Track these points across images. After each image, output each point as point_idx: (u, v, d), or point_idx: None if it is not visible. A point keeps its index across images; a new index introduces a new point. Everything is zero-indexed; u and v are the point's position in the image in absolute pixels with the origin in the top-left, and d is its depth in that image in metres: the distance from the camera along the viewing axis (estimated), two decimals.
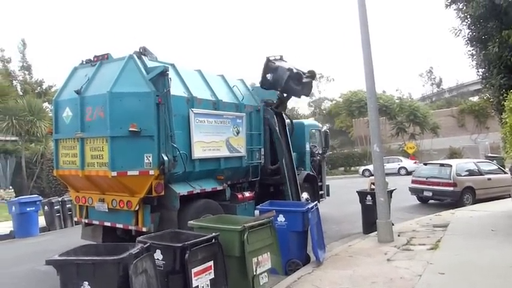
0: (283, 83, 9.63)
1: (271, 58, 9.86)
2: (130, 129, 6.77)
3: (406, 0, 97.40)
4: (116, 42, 74.00)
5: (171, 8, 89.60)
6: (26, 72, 36.01)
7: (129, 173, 6.87)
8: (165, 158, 6.93)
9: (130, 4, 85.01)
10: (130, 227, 7.21)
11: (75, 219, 8.59)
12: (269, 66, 9.76)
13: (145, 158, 6.92)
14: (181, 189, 7.42)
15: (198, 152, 7.76)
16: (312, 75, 10.45)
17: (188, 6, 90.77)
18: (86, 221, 8.00)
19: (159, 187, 7.09)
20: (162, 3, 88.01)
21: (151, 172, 6.93)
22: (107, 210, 7.40)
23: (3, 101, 23.76)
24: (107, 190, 7.36)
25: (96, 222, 7.82)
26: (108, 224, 7.57)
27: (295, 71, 9.84)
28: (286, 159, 10.02)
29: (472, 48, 9.22)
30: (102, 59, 7.67)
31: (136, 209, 7.05)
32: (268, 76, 9.75)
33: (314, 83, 11.61)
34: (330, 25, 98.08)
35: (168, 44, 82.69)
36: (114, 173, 6.82)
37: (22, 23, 67.06)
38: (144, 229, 6.96)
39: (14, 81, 34.02)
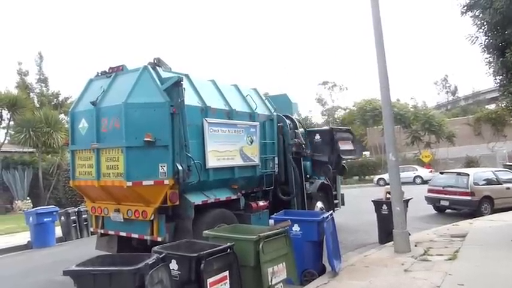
0: None
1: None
2: (146, 139, 6.82)
3: (421, 7, 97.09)
4: (130, 54, 75.10)
5: (184, 19, 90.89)
6: (43, 85, 36.87)
7: (144, 182, 6.90)
8: (180, 168, 6.96)
9: (145, 16, 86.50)
10: (145, 237, 7.22)
11: (91, 229, 8.65)
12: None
13: (160, 167, 6.96)
14: (196, 199, 7.42)
15: (212, 161, 7.77)
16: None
17: (202, 17, 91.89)
18: (102, 231, 8.04)
19: (174, 197, 7.10)
20: (176, 16, 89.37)
21: (166, 182, 6.96)
22: (122, 220, 7.44)
23: (20, 113, 24.30)
24: (123, 200, 7.41)
25: (111, 232, 7.86)
26: (123, 234, 7.60)
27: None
28: (294, 168, 9.97)
29: (489, 55, 9.06)
30: (117, 71, 7.75)
31: (152, 218, 7.07)
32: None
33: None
34: (344, 33, 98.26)
35: (182, 55, 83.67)
36: (130, 183, 6.86)
37: (39, 36, 68.81)
38: (159, 239, 6.98)
39: (31, 94, 34.83)
